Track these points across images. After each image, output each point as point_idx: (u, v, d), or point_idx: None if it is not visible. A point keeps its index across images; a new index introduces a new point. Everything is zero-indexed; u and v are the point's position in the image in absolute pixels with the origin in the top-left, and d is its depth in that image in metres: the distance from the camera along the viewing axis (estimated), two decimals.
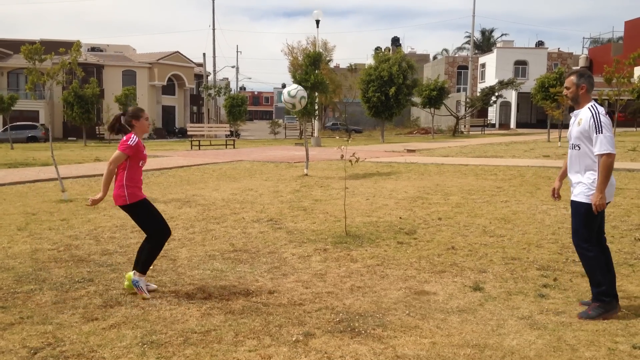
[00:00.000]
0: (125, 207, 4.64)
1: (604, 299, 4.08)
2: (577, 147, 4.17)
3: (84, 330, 3.91)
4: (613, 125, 11.72)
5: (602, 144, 3.96)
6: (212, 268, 5.49)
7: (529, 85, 42.06)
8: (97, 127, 41.81)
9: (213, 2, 51.40)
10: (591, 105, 4.09)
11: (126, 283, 4.73)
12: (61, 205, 9.32)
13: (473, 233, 6.94)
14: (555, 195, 4.64)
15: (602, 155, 3.97)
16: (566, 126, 4.36)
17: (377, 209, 8.69)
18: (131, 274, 4.68)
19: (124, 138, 4.65)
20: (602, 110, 4.08)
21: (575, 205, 4.18)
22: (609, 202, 4.16)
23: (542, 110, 30.14)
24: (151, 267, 5.45)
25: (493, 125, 51.75)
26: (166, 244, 6.42)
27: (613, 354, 3.45)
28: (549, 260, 5.59)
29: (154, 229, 4.67)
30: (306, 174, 13.57)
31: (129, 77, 48.63)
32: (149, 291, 4.65)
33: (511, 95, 49.54)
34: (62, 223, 7.76)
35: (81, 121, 33.87)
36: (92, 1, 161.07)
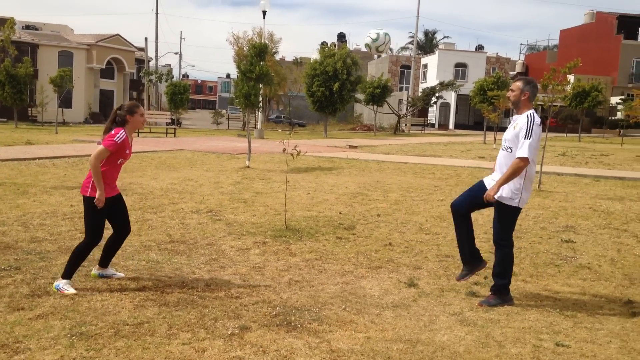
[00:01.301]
0: (84, 198, 4.46)
1: (504, 292, 4.46)
2: (509, 149, 4.35)
3: (9, 320, 3.75)
4: (545, 131, 12.25)
5: (525, 149, 4.18)
6: (147, 259, 5.37)
7: (468, 87, 43.34)
8: (29, 109, 39.96)
9: None
10: (530, 113, 4.31)
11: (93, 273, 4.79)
12: None
13: (410, 230, 7.10)
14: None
15: (520, 158, 4.19)
16: (502, 129, 4.65)
17: (317, 204, 8.74)
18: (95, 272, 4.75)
19: (112, 132, 4.39)
20: (538, 120, 4.28)
21: (499, 205, 4.40)
22: (520, 209, 4.43)
23: (480, 113, 31.17)
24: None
25: (433, 125, 52.99)
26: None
27: (538, 351, 3.61)
28: None
29: (93, 231, 4.46)
30: (248, 166, 13.47)
31: (66, 58, 46.65)
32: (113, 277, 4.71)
33: (451, 97, 50.90)
34: None
35: (12, 102, 32.24)
36: None
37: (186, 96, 36.63)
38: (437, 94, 42.10)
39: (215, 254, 5.65)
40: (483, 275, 5.20)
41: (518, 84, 4.45)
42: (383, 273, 5.23)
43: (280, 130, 35.07)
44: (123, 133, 4.40)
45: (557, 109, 35.25)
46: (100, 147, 4.33)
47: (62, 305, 4.05)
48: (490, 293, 4.53)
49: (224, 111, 54.70)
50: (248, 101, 14.16)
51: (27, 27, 50.15)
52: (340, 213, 8.03)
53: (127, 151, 4.52)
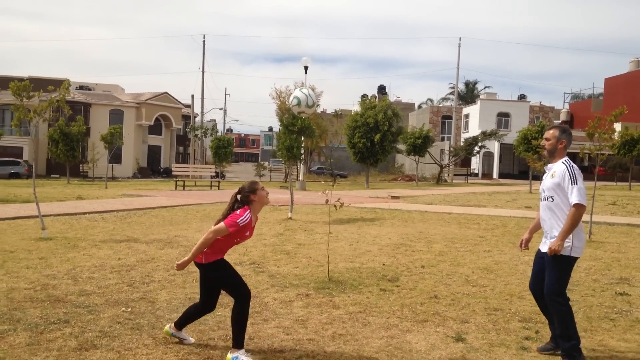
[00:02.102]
0: (201, 267, 4.33)
1: (575, 355, 4.10)
2: (550, 199, 4.26)
3: None
4: (594, 180, 11.94)
5: (576, 195, 4.07)
6: None
7: (511, 136, 42.87)
8: (81, 165, 41.58)
9: (204, 45, 52.25)
10: (565, 160, 4.25)
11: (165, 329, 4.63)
12: (40, 243, 9.17)
13: (456, 282, 6.93)
14: (523, 247, 4.73)
15: (575, 205, 4.06)
16: None
17: (360, 255, 8.66)
18: (168, 329, 4.55)
19: (237, 212, 4.22)
20: (575, 166, 4.21)
21: (551, 258, 4.19)
22: (577, 258, 4.23)
23: (524, 162, 30.66)
24: (128, 310, 5.36)
25: (476, 175, 52.40)
26: (145, 285, 6.37)
27: None
28: (531, 312, 5.58)
29: (241, 289, 4.26)
30: (290, 218, 13.53)
31: (116, 116, 48.70)
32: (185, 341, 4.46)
33: (494, 146, 50.41)
34: (41, 262, 7.62)
35: (65, 159, 33.68)
36: (82, 41, 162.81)
37: (230, 150, 37.49)
38: (479, 144, 41.80)
39: (258, 307, 5.63)
40: (534, 330, 5.00)
41: (553, 132, 4.38)
42: (429, 327, 5.09)
43: (322, 182, 35.30)
44: (248, 215, 4.22)
45: (605, 157, 34.43)
46: (222, 224, 4.17)
47: (109, 359, 4.09)
48: (562, 357, 4.18)
49: (266, 163, 55.56)
50: (290, 153, 14.37)
51: (81, 87, 52.80)
52: (383, 264, 7.93)
53: (248, 233, 4.35)
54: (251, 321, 5.13)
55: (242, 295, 4.23)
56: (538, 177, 29.68)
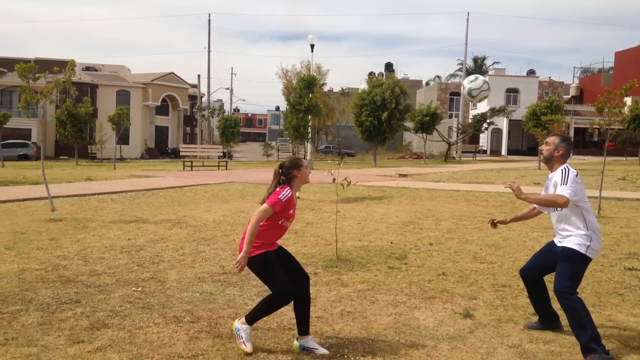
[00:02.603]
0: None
1: (595, 347, 3.85)
2: (559, 208, 4.13)
3: (70, 353, 3.85)
4: (603, 155, 11.83)
5: (563, 190, 3.98)
6: (201, 290, 5.44)
7: (520, 112, 42.53)
8: (89, 146, 41.73)
9: (209, 25, 51.93)
10: (565, 167, 4.15)
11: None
12: (50, 224, 9.25)
13: (464, 259, 6.94)
14: (492, 223, 4.75)
15: (560, 195, 3.97)
16: None
17: (368, 233, 8.68)
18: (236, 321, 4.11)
19: (277, 189, 3.97)
20: (573, 171, 4.12)
21: (568, 252, 4.11)
22: (589, 259, 4.12)
23: (533, 138, 30.48)
24: (139, 289, 5.41)
25: (484, 152, 52.12)
26: (155, 265, 6.42)
27: None
28: None
29: (276, 283, 3.98)
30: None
31: (123, 97, 48.69)
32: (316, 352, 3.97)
33: (502, 123, 50.04)
34: (51, 243, 7.69)
35: (73, 140, 33.80)
36: (88, 22, 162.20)
37: (237, 130, 37.44)
38: (488, 120, 41.49)
39: (266, 286, 5.66)
40: None
41: (553, 138, 4.33)
42: (437, 304, 5.11)
43: (329, 161, 35.23)
44: (289, 191, 3.97)
45: (615, 132, 34.08)
46: (265, 205, 3.91)
47: (120, 338, 4.14)
48: (582, 353, 3.92)
49: (273, 143, 55.55)
50: (297, 132, 14.38)
51: (87, 68, 52.77)
52: (391, 242, 7.95)
53: (291, 211, 4.06)
54: (260, 299, 5.16)
55: (278, 288, 3.98)
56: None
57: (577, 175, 4.09)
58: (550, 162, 4.28)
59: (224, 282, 5.79)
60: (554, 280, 4.14)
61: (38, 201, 12.29)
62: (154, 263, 6.57)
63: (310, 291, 5.04)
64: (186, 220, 9.87)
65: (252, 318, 4.02)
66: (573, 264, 4.07)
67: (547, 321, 4.46)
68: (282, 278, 3.97)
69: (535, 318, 4.59)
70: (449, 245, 7.77)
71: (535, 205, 4.46)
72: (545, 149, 4.33)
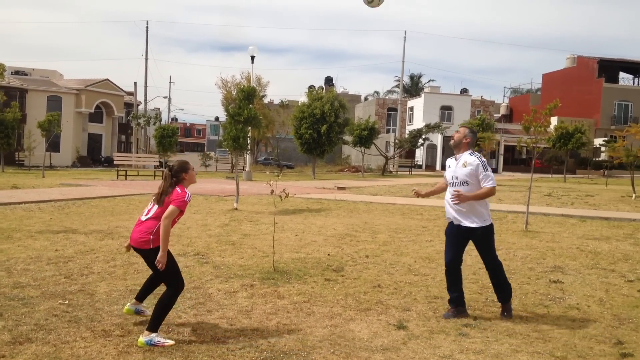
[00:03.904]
0: (146, 252, 4.45)
1: (510, 294, 5.26)
2: (465, 184, 5.09)
3: None
4: (530, 172, 12.38)
5: (488, 179, 5.03)
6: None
7: (453, 129, 43.84)
8: (16, 153, 39.82)
9: (147, 32, 50.87)
10: (471, 152, 5.18)
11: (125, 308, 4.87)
12: None
13: (399, 271, 7.07)
14: (415, 194, 5.68)
15: (490, 187, 5.03)
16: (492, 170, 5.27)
17: (305, 245, 8.70)
18: (129, 307, 4.77)
19: (179, 191, 4.40)
20: (480, 156, 5.14)
21: (480, 230, 5.11)
22: (492, 225, 5.21)
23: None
24: (66, 302, 5.20)
25: (420, 167, 53.44)
26: (83, 277, 6.19)
27: None
28: (470, 300, 5.75)
29: (178, 278, 4.48)
30: (236, 208, 13.43)
31: (55, 102, 46.80)
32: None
33: (437, 139, 51.51)
34: None
35: (0, 146, 32.17)
36: (19, 24, 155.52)
37: (175, 139, 36.65)
38: (423, 136, 42.62)
39: (202, 298, 5.57)
40: (473, 317, 5.17)
41: (464, 129, 5.29)
42: (372, 315, 5.17)
43: (268, 172, 35.12)
44: (189, 193, 4.46)
45: (541, 150, 35.78)
46: (171, 207, 4.34)
47: (44, 353, 3.96)
48: (503, 305, 5.24)
49: (212, 154, 54.82)
50: (236, 144, 14.23)
51: (17, 72, 50.42)
52: (328, 254, 7.99)
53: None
54: (194, 312, 5.08)
55: (176, 284, 4.47)
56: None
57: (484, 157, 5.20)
58: (458, 147, 5.22)
59: (157, 294, 5.60)
60: (484, 258, 5.26)
61: None
62: (82, 275, 6.33)
63: (247, 303, 5.01)
64: (118, 230, 9.57)
65: (155, 324, 4.29)
66: (489, 237, 5.19)
67: (458, 306, 5.20)
68: (179, 275, 4.53)
69: (467, 329, 4.77)
70: (385, 258, 7.89)
71: (444, 180, 5.49)
72: (455, 136, 5.25)
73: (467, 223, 5.11)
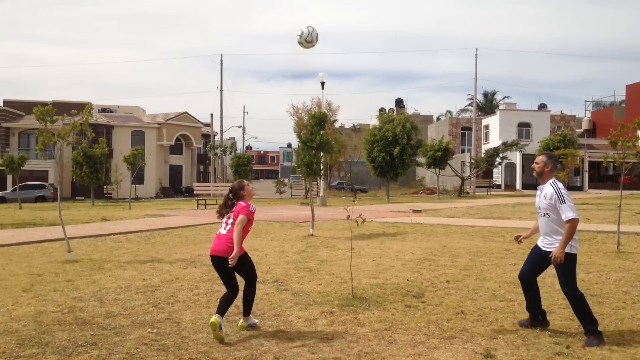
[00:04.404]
0: (223, 260, 5.32)
1: (598, 333, 4.95)
2: (546, 215, 5.18)
3: None
4: (619, 189, 11.72)
5: (567, 211, 4.95)
6: None
7: (533, 147, 42.46)
8: (105, 187, 42.14)
9: (221, 65, 52.88)
10: (552, 182, 5.15)
11: (213, 332, 5.14)
12: (67, 265, 9.29)
13: (482, 297, 6.84)
14: (520, 240, 5.70)
15: (568, 220, 4.94)
16: (572, 188, 5.20)
17: (383, 271, 8.60)
18: (216, 318, 5.12)
19: (243, 204, 5.38)
20: (561, 185, 5.11)
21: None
22: (576, 255, 5.12)
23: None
24: (154, 331, 5.39)
25: (499, 186, 51.85)
26: (170, 306, 6.41)
27: None
28: (561, 327, 5.47)
29: (254, 273, 5.56)
30: (312, 234, 13.52)
31: (138, 137, 49.39)
32: (253, 325, 5.46)
33: (516, 157, 49.89)
34: (67, 284, 7.71)
35: (89, 181, 34.17)
36: (104, 64, 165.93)
37: (250, 167, 37.69)
38: (501, 155, 41.42)
39: (283, 325, 5.61)
40: (565, 345, 4.90)
41: (542, 157, 5.28)
42: (457, 343, 5.02)
43: (343, 197, 35.20)
44: (252, 204, 5.43)
45: (630, 166, 33.91)
46: (241, 216, 5.28)
47: None
48: (587, 336, 4.97)
49: (286, 180, 55.72)
50: (310, 169, 14.39)
51: (103, 109, 53.72)
52: (407, 280, 7.86)
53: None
54: (276, 340, 5.11)
55: (253, 277, 5.51)
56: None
57: (564, 187, 5.12)
58: (542, 177, 5.27)
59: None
60: (559, 283, 5.12)
61: (55, 242, 12.37)
62: (169, 303, 6.55)
63: (327, 331, 5.01)
64: (200, 259, 9.86)
65: (248, 310, 5.45)
66: (567, 265, 5.03)
67: (537, 319, 5.36)
68: (254, 272, 5.59)
69: (560, 358, 4.52)
70: (467, 283, 7.66)
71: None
72: (536, 167, 5.29)
73: (548, 247, 5.19)
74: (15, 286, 7.56)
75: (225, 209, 5.45)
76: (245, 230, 5.34)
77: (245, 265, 5.44)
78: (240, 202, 5.39)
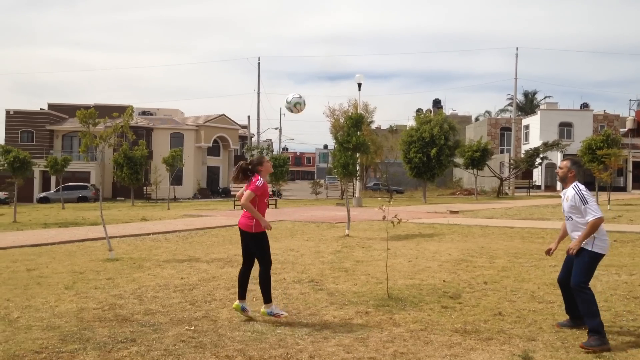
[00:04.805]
0: (248, 235, 5.63)
1: (600, 330, 4.81)
2: (570, 218, 5.28)
3: None
4: None
5: (590, 212, 5.03)
6: (252, 330, 5.44)
7: (575, 147, 41.37)
8: (144, 187, 43.02)
9: (259, 67, 53.41)
10: (574, 185, 5.26)
11: (234, 305, 5.79)
12: (107, 264, 9.52)
13: (521, 298, 6.71)
14: (550, 254, 5.66)
15: (593, 219, 4.99)
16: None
17: (419, 271, 8.53)
18: (238, 303, 5.73)
19: (253, 179, 5.57)
20: (583, 187, 5.20)
21: (579, 252, 5.11)
22: (604, 255, 5.15)
23: (590, 172, 29.50)
24: (192, 328, 5.47)
25: (539, 187, 50.78)
26: (207, 304, 6.50)
27: None
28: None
29: (268, 258, 5.64)
30: (347, 235, 13.50)
31: (177, 139, 50.25)
32: (274, 314, 5.65)
33: (557, 157, 48.76)
34: (108, 282, 7.90)
35: (130, 182, 34.94)
36: (143, 68, 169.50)
37: (286, 168, 37.84)
38: (541, 155, 40.56)
39: (318, 325, 5.62)
40: (606, 348, 4.76)
41: (566, 162, 5.39)
42: (494, 345, 4.93)
43: (379, 198, 35.02)
44: (261, 179, 5.57)
45: None
46: (247, 192, 5.48)
47: None
48: (588, 335, 4.85)
49: (322, 181, 55.81)
50: (346, 170, 14.39)
51: (143, 112, 54.84)
52: (444, 281, 7.77)
53: (269, 190, 5.72)
54: (311, 339, 5.13)
55: (267, 261, 5.63)
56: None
57: (586, 189, 5.19)
58: (565, 181, 5.38)
59: (275, 321, 5.77)
60: (571, 277, 5.10)
61: (96, 241, 12.69)
62: (206, 302, 6.64)
63: (362, 331, 5.00)
64: (237, 259, 9.95)
65: (267, 297, 5.63)
66: (584, 261, 5.07)
67: (577, 320, 5.33)
68: (270, 254, 5.69)
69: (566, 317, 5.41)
70: (505, 284, 7.53)
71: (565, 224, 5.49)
72: (560, 171, 5.42)
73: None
74: (58, 284, 7.79)
75: (238, 177, 5.68)
76: (261, 203, 5.60)
77: (260, 245, 5.64)
78: (252, 178, 5.59)
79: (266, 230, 5.61)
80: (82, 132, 10.95)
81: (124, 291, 7.26)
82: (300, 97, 7.96)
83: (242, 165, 5.74)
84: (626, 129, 59.09)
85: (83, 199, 40.72)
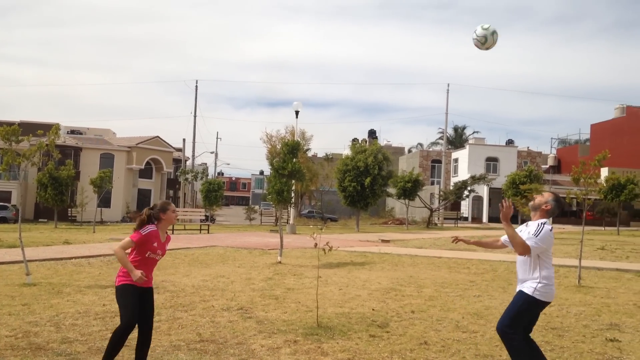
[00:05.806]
0: (115, 288, 4.70)
1: None
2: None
3: None
4: (582, 225, 11.98)
5: (533, 240, 4.33)
6: (176, 359, 5.27)
7: (500, 181, 43.23)
8: (69, 209, 41.27)
9: (196, 90, 52.89)
10: (541, 222, 4.49)
11: None
12: (24, 289, 9.00)
13: (446, 328, 6.85)
14: (455, 242, 5.20)
15: (527, 245, 4.31)
16: None
17: (349, 300, 8.57)
18: None
19: (147, 227, 4.70)
20: (548, 226, 4.44)
21: (519, 294, 4.42)
22: (548, 303, 4.46)
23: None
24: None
25: (466, 219, 52.49)
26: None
27: None
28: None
29: (128, 316, 4.58)
30: (280, 262, 13.42)
31: (107, 160, 48.68)
32: None
33: (483, 190, 50.71)
34: (23, 308, 7.46)
35: (54, 203, 33.44)
36: (77, 86, 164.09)
37: (220, 193, 37.43)
38: (469, 188, 42.05)
39: (244, 354, 5.52)
40: None
41: (548, 194, 4.70)
42: None
43: (312, 225, 35.10)
44: (150, 227, 4.67)
45: (592, 202, 34.78)
46: (127, 238, 4.64)
47: None
48: None
49: (257, 207, 55.46)
50: (281, 197, 14.38)
51: (72, 131, 52.94)
52: (373, 309, 7.84)
53: (155, 244, 4.70)
54: None
55: (127, 321, 4.56)
56: (526, 222, 29.75)
57: (550, 230, 4.42)
58: (536, 211, 4.60)
59: (200, 350, 5.63)
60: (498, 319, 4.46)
61: (13, 265, 12.00)
62: None
63: (290, 359, 4.94)
64: (164, 285, 9.68)
65: (108, 358, 4.53)
66: (517, 304, 4.37)
67: None
68: (131, 310, 4.54)
69: None
70: (431, 313, 7.68)
71: (505, 238, 4.73)
72: (537, 198, 4.67)
73: (518, 287, 4.57)
74: None
75: (140, 227, 4.70)
76: (140, 257, 4.68)
77: (120, 299, 4.63)
78: (148, 225, 4.70)
79: (137, 281, 4.55)
80: (4, 150, 10.43)
81: (40, 318, 6.88)
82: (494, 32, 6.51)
83: (146, 213, 4.79)
84: (547, 166, 62.43)
85: (2, 220, 38.50)
